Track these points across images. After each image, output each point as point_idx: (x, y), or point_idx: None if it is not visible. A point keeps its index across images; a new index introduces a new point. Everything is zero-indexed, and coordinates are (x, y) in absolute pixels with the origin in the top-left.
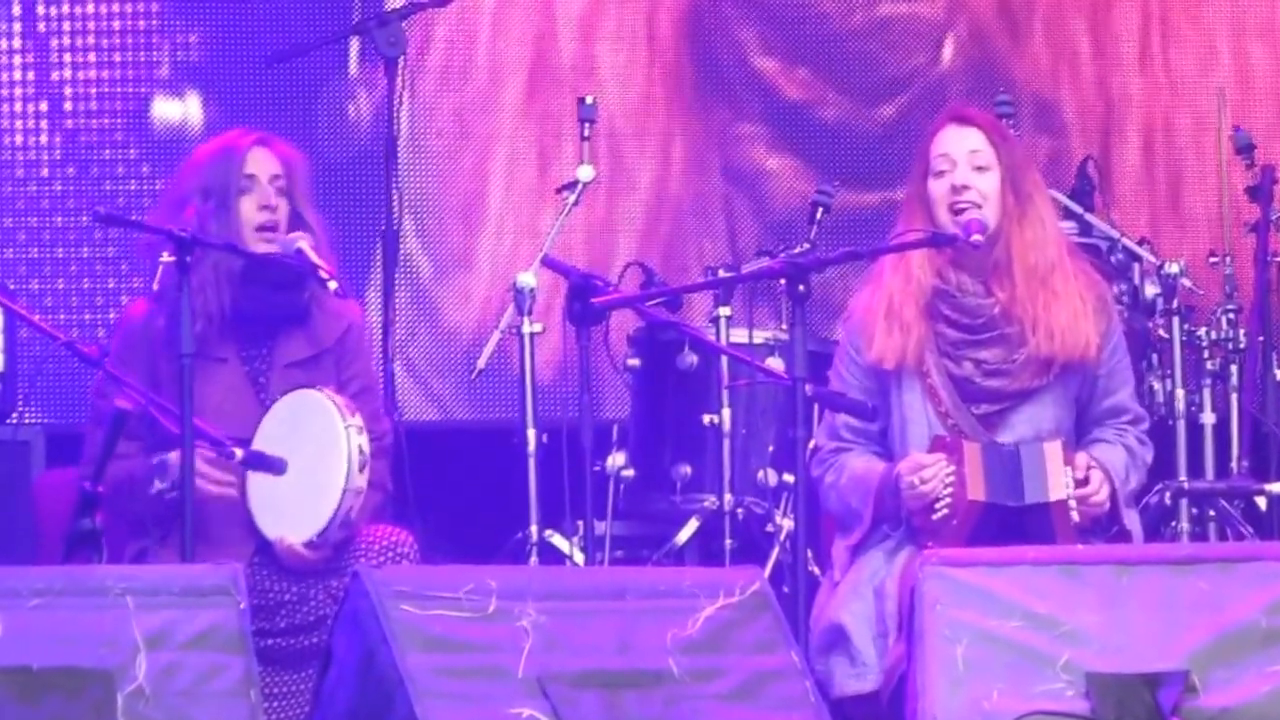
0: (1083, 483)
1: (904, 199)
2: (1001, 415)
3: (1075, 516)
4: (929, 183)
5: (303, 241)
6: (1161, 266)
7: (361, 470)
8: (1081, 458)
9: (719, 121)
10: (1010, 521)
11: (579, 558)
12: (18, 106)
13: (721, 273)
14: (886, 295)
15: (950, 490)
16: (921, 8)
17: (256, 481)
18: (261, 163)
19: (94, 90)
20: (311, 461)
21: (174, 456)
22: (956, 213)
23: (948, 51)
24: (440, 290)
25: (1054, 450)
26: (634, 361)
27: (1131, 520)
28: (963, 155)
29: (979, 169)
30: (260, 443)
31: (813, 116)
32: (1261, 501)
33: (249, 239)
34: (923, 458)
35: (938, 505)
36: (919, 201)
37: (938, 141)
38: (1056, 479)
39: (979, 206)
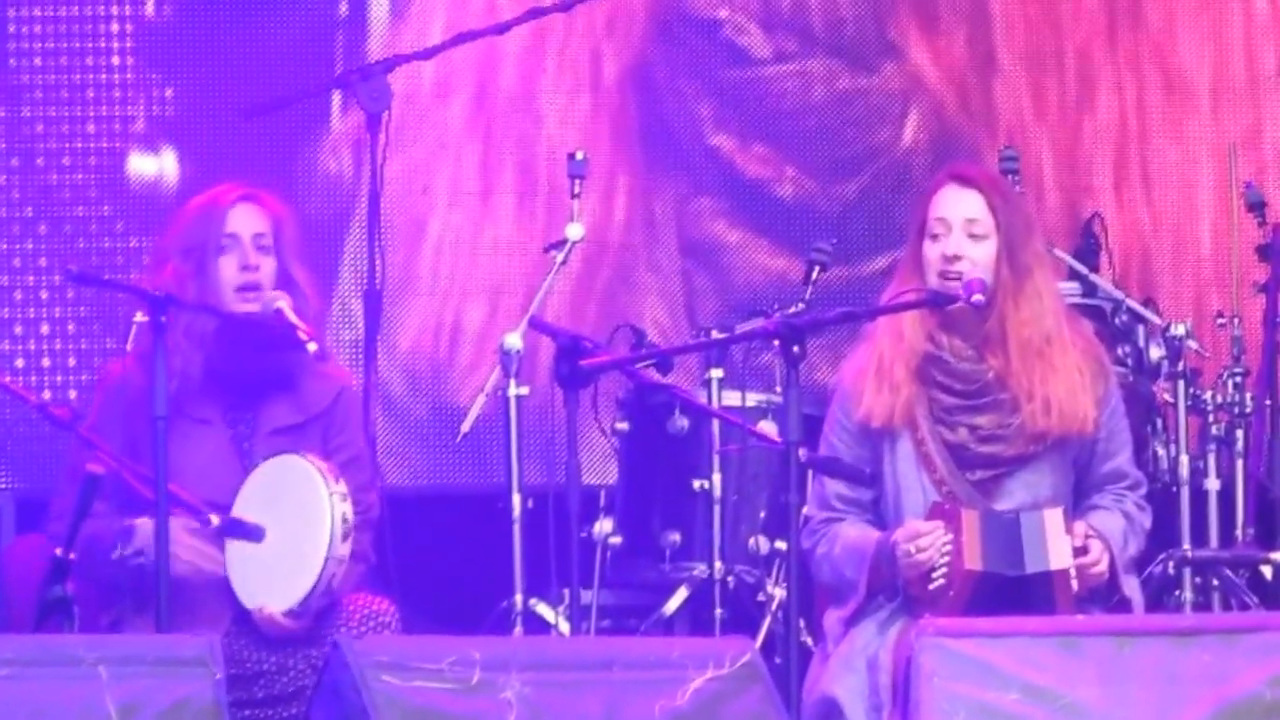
0: (1081, 551)
1: (901, 256)
2: (997, 481)
3: (1075, 585)
4: (925, 245)
5: (282, 301)
6: (1167, 328)
7: (345, 539)
8: (1079, 526)
9: (674, 192)
10: (1009, 591)
11: (565, 627)
12: None
13: (714, 333)
14: (877, 355)
15: (947, 559)
16: (882, 82)
17: (235, 549)
18: (244, 220)
19: (67, 145)
20: (294, 529)
21: (141, 523)
22: (946, 280)
23: (910, 126)
24: (422, 350)
25: (1054, 518)
26: (622, 425)
27: (1131, 587)
28: (959, 221)
29: (974, 237)
30: (241, 508)
31: (771, 194)
32: (1267, 571)
33: (229, 300)
34: (920, 525)
35: (934, 574)
36: (914, 261)
37: (936, 201)
38: (1058, 548)
39: None
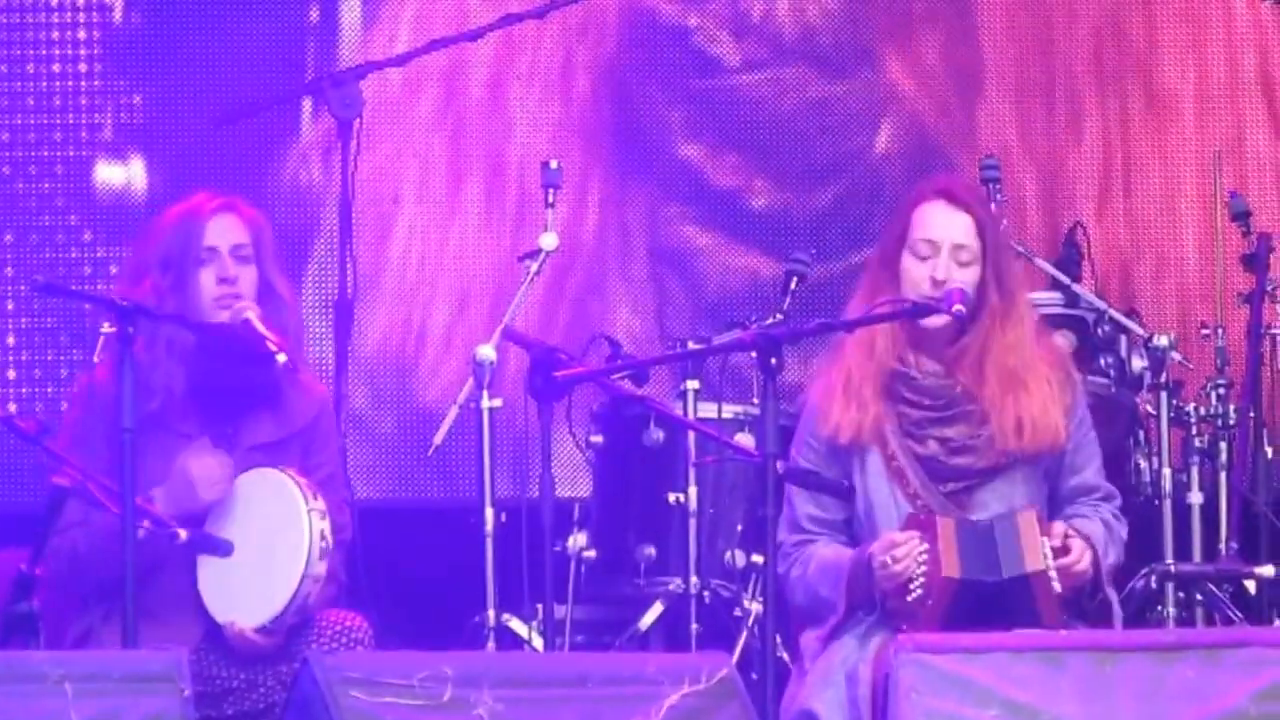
0: (1063, 551)
1: (871, 262)
2: (970, 492)
3: (1057, 587)
4: (906, 260)
5: (250, 312)
6: (1150, 339)
7: (322, 557)
8: (1059, 526)
9: (646, 201)
10: (989, 598)
11: (538, 643)
12: None
13: (690, 345)
14: (845, 371)
15: (924, 569)
16: (856, 88)
17: (208, 562)
18: (224, 232)
19: (34, 154)
20: (270, 544)
21: (157, 493)
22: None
23: (884, 134)
24: (393, 362)
25: (1028, 520)
26: (597, 438)
27: (1111, 598)
28: (948, 244)
29: (962, 263)
30: (215, 520)
31: (742, 204)
32: (1251, 585)
33: (208, 313)
34: (896, 536)
35: (911, 585)
36: (890, 273)
37: (924, 218)
38: (1033, 549)
39: None
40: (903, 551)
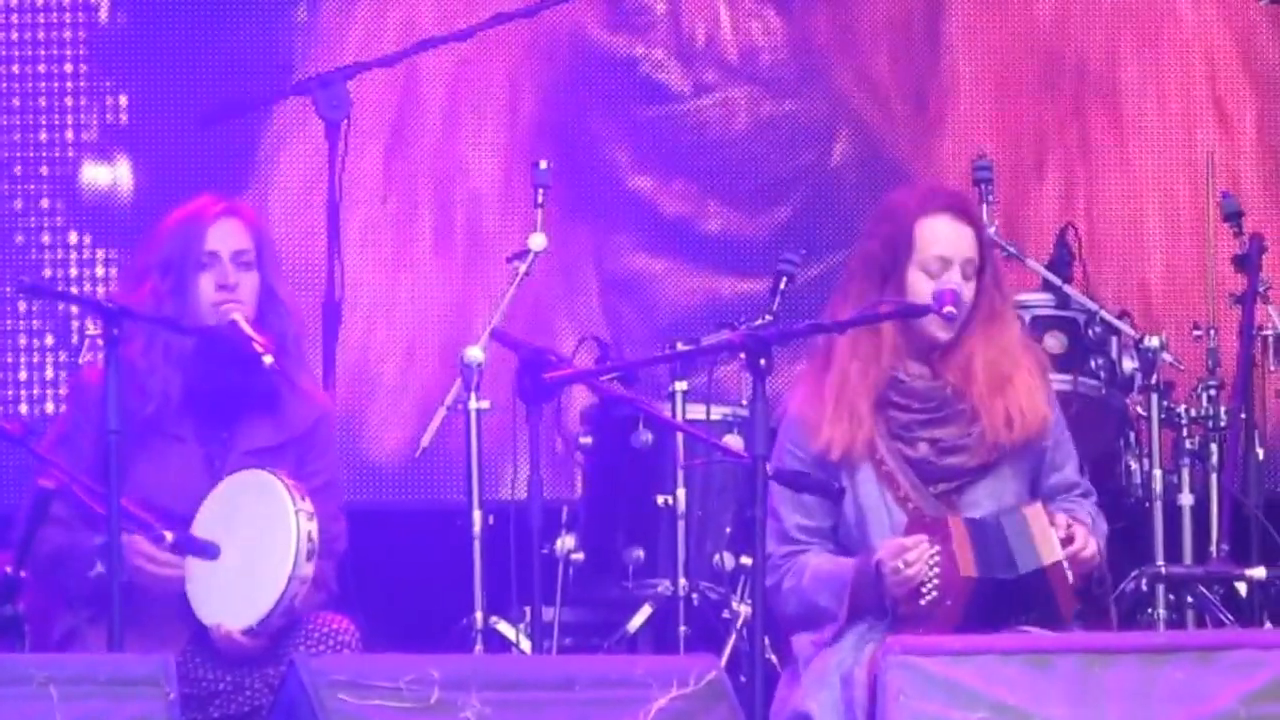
0: (1068, 540)
1: (857, 270)
2: (961, 492)
3: (1070, 577)
4: (913, 275)
5: (237, 313)
6: (1141, 340)
7: (309, 558)
8: (1060, 516)
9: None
10: (1006, 594)
11: (526, 645)
12: None
13: (679, 345)
14: (838, 382)
15: (936, 571)
16: (805, 104)
17: (195, 564)
18: (226, 237)
19: (19, 154)
20: (257, 546)
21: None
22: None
23: (839, 147)
24: (382, 364)
25: (1035, 513)
26: (586, 439)
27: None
28: (959, 260)
29: (968, 276)
30: (204, 522)
31: (695, 229)
32: (1242, 587)
33: (206, 318)
34: (904, 541)
35: (924, 589)
36: (882, 274)
37: (934, 234)
38: (1045, 542)
39: None
40: (914, 555)
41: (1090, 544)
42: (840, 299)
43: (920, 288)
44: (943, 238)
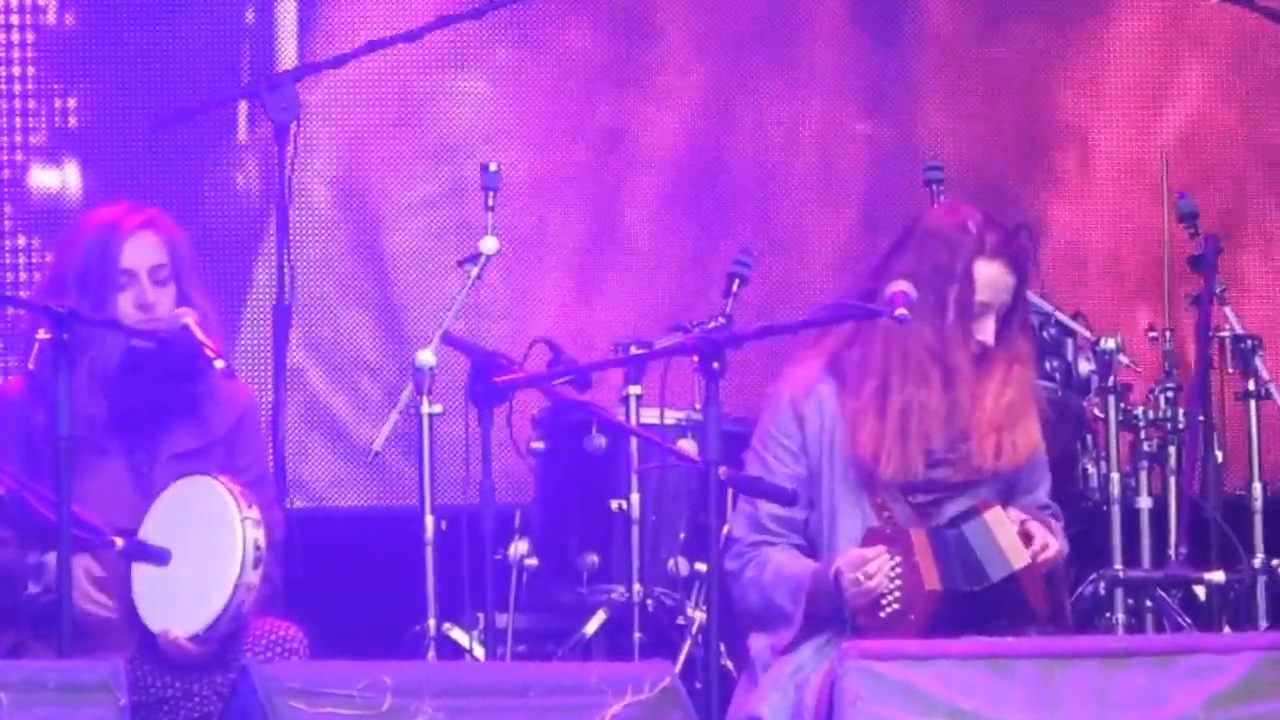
0: (1026, 538)
1: (891, 266)
2: (938, 505)
3: (1039, 576)
4: (956, 313)
5: (188, 318)
6: (1097, 342)
7: (256, 566)
8: (1014, 511)
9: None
10: (973, 604)
11: (479, 652)
12: None
13: (633, 349)
14: (905, 402)
15: (897, 583)
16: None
17: (142, 571)
18: (141, 253)
19: None
20: (203, 552)
21: (52, 559)
22: None
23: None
24: (333, 370)
25: (996, 516)
26: (538, 444)
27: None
28: (997, 306)
29: (996, 318)
30: (150, 528)
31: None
32: (1200, 591)
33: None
34: (865, 552)
35: (885, 600)
36: (939, 297)
37: (986, 277)
38: (1013, 546)
39: None
40: (874, 567)
41: (1050, 542)
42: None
43: (964, 329)
44: (993, 284)
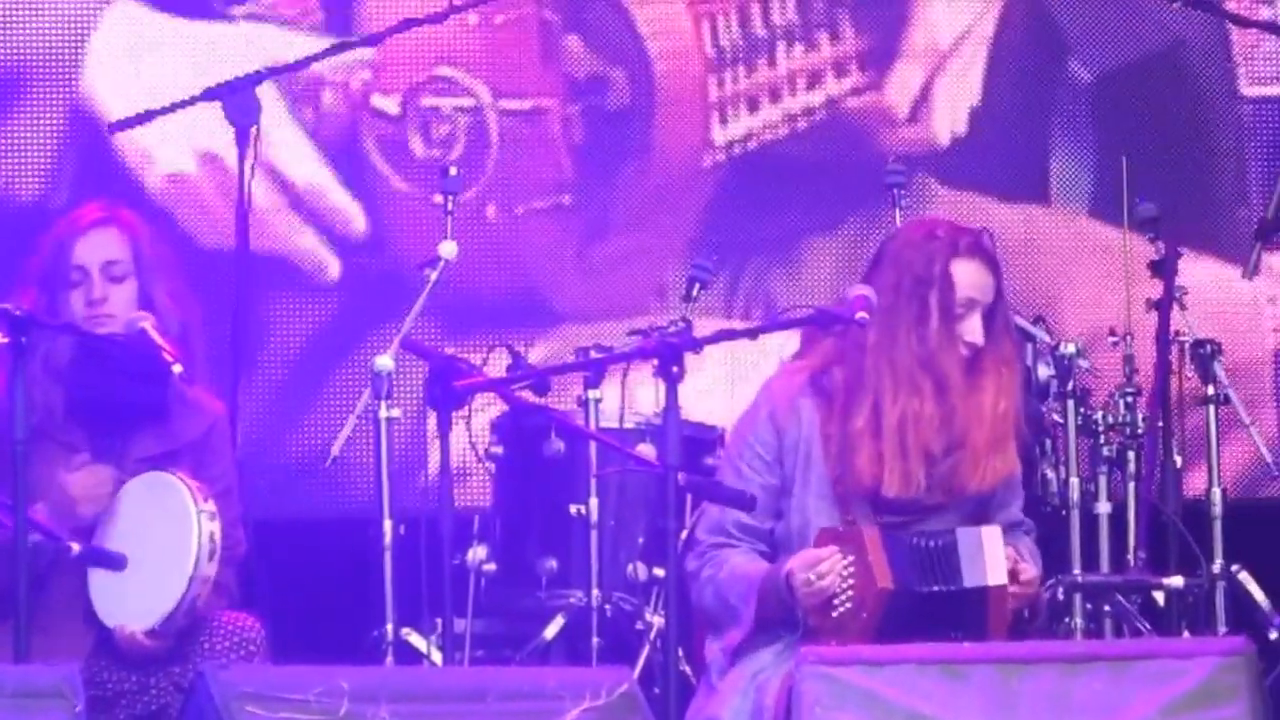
0: (1013, 574)
1: (891, 296)
2: (905, 527)
3: (1008, 605)
4: (940, 317)
5: (146, 322)
6: (1057, 347)
7: (211, 558)
8: (1011, 550)
9: None
10: (930, 607)
11: (437, 657)
12: None
13: (593, 354)
14: (900, 415)
15: (852, 583)
16: None
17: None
18: (94, 250)
19: None
20: (159, 547)
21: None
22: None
23: None
24: (291, 374)
25: (992, 535)
26: (497, 449)
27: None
28: (983, 304)
29: (983, 319)
30: (106, 526)
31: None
32: (1159, 596)
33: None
34: (818, 552)
35: (837, 600)
36: (922, 305)
37: (965, 275)
38: (995, 563)
39: None
40: (826, 567)
41: (1033, 584)
42: (887, 329)
43: (949, 333)
44: (974, 282)
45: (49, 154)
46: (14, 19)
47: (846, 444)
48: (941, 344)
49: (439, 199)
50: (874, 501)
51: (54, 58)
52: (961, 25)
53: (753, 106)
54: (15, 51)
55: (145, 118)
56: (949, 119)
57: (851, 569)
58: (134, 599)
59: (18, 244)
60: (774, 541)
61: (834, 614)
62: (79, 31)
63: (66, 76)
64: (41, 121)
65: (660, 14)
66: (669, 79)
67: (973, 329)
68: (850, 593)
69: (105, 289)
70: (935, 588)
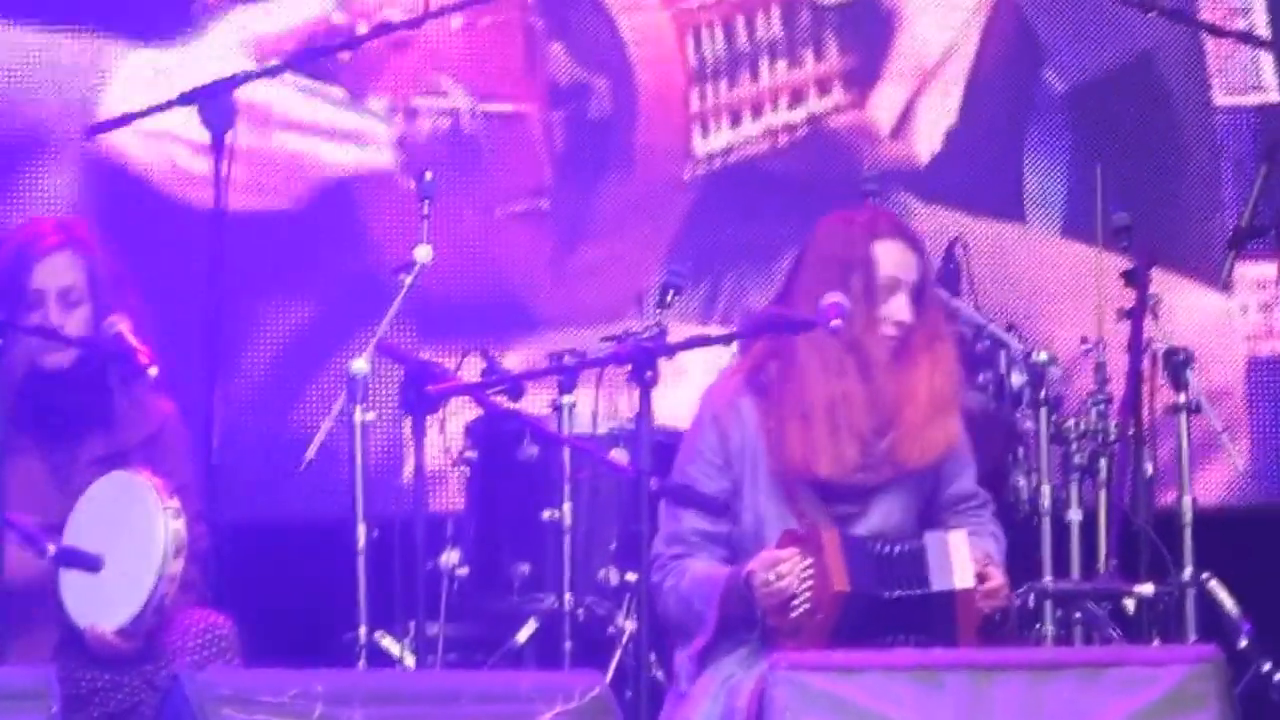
0: (981, 578)
1: (810, 277)
2: (864, 512)
3: (981, 609)
4: (864, 299)
5: (122, 325)
6: (1029, 354)
7: (177, 555)
8: (979, 552)
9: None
10: (888, 611)
11: (410, 660)
12: None
13: (566, 359)
14: (828, 396)
15: (809, 584)
16: None
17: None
18: (51, 274)
19: None
20: (125, 546)
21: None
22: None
23: None
24: (266, 376)
25: (959, 539)
26: (471, 453)
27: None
28: (908, 283)
29: (905, 293)
30: (74, 528)
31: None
32: (1130, 603)
33: (36, 355)
34: (778, 554)
35: (795, 602)
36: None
37: (887, 255)
38: (963, 569)
39: None
40: (786, 568)
41: (1005, 588)
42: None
43: (874, 314)
44: (897, 261)
45: (67, 209)
46: (31, 74)
47: (779, 431)
48: (866, 326)
49: (412, 185)
50: (820, 490)
51: (70, 111)
52: (947, 41)
53: (734, 120)
54: (33, 106)
55: (122, 121)
56: (931, 135)
57: (810, 571)
58: (103, 598)
59: None
60: (732, 544)
61: (791, 615)
62: (95, 84)
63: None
64: (60, 176)
65: (645, 23)
66: (651, 88)
67: (899, 308)
68: (808, 594)
69: (61, 316)
70: (900, 592)
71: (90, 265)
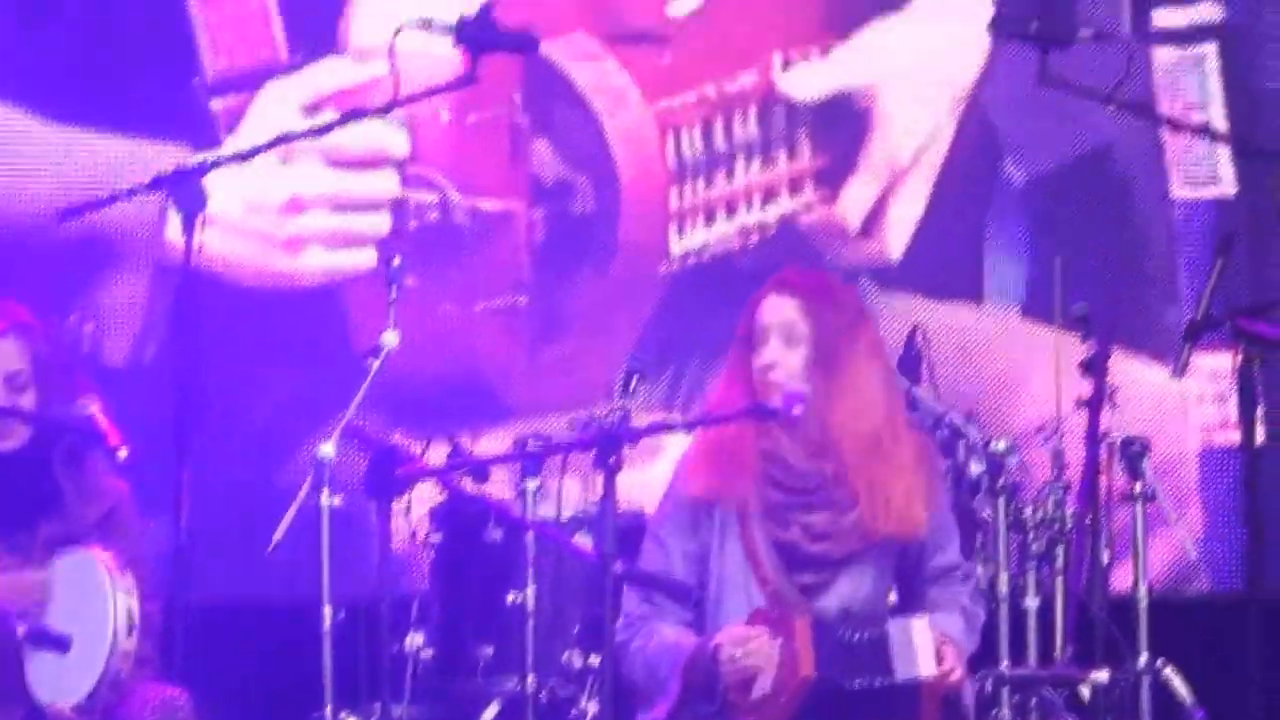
0: (939, 659)
1: (728, 362)
2: (825, 586)
3: (939, 694)
4: (740, 348)
5: (94, 406)
6: (988, 443)
7: (130, 633)
8: (936, 633)
9: None
10: (858, 699)
11: None
12: None
13: (531, 444)
14: (720, 432)
15: (776, 666)
16: None
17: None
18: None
19: None
20: (80, 623)
21: None
22: (766, 389)
23: None
24: (234, 459)
25: (922, 626)
26: (436, 536)
27: (966, 692)
28: (775, 328)
29: (790, 342)
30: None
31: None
32: (1085, 690)
33: None
34: (748, 631)
35: (758, 682)
36: (737, 368)
37: (759, 311)
38: (926, 655)
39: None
40: (754, 646)
41: (959, 670)
42: (718, 383)
43: (750, 364)
44: (763, 311)
45: (139, 313)
46: (102, 183)
47: (687, 456)
48: (748, 375)
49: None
50: (788, 559)
51: (141, 218)
52: (920, 141)
53: (709, 218)
54: (105, 215)
55: (91, 206)
56: (902, 232)
57: (777, 653)
58: (60, 676)
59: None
60: (700, 608)
61: (753, 695)
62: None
63: (152, 236)
64: (130, 282)
65: (628, 122)
66: (633, 187)
67: (769, 353)
68: (772, 675)
69: (8, 399)
70: (863, 683)
71: (35, 352)
